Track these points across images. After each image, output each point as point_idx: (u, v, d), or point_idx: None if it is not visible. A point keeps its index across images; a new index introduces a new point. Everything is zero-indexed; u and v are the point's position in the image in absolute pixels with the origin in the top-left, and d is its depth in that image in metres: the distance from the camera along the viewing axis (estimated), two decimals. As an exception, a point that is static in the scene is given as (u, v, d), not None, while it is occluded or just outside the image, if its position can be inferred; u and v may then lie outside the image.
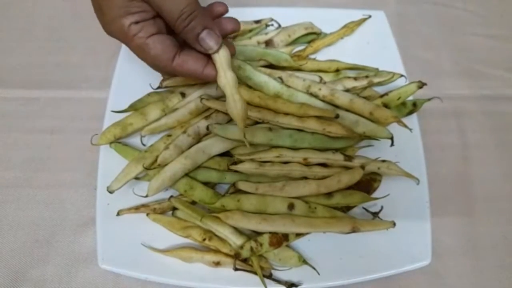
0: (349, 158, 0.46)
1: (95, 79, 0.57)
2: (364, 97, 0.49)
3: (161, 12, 0.35)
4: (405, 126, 0.49)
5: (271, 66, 0.52)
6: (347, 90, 0.50)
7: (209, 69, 0.38)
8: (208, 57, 0.38)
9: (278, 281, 0.42)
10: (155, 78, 0.48)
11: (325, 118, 0.46)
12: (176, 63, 0.37)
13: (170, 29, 0.38)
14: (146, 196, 0.45)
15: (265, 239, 0.42)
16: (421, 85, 0.50)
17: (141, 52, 0.36)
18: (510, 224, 0.49)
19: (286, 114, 0.46)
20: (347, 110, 0.48)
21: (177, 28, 0.36)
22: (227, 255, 0.43)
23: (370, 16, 0.58)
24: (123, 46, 0.37)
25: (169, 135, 0.48)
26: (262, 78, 0.48)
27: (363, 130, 0.47)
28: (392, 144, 0.47)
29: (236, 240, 0.43)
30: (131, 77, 0.52)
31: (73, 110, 0.55)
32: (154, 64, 0.38)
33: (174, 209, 0.46)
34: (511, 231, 0.49)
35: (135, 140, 0.50)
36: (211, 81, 0.39)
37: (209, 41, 0.36)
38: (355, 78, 0.51)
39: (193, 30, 0.35)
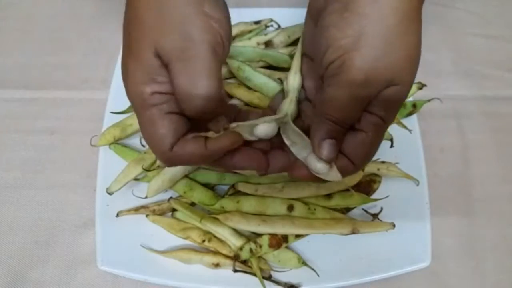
0: (348, 159, 0.46)
1: (94, 80, 0.57)
2: (364, 98, 0.49)
3: (175, 87, 0.29)
4: (405, 127, 0.49)
5: (270, 67, 0.52)
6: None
7: (211, 145, 0.31)
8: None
9: (278, 283, 0.42)
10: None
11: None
12: (176, 149, 0.30)
13: None
14: (146, 197, 0.45)
15: (264, 240, 0.42)
16: (421, 86, 0.50)
17: (149, 125, 0.30)
18: (510, 225, 0.49)
19: (286, 115, 0.45)
20: (346, 111, 0.48)
21: (185, 110, 0.30)
22: (226, 256, 0.43)
23: (370, 17, 0.58)
24: (123, 47, 0.33)
25: (168, 136, 0.48)
26: (262, 79, 0.48)
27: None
28: (391, 145, 0.47)
29: (235, 242, 0.43)
30: (131, 78, 0.52)
31: (72, 111, 0.55)
32: (152, 145, 0.31)
33: (174, 210, 0.46)
34: (511, 232, 0.49)
35: (134, 141, 0.50)
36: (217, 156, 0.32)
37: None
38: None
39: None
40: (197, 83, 0.29)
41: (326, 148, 0.31)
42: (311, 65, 0.37)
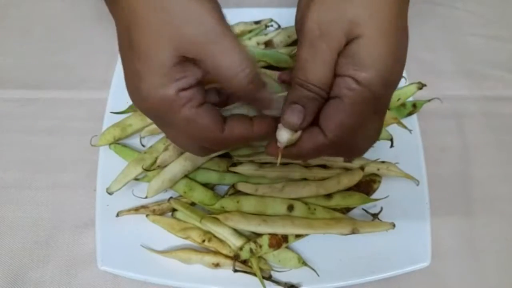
0: (348, 159, 0.46)
1: (94, 79, 0.57)
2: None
3: (217, 70, 0.29)
4: (405, 127, 0.49)
5: (270, 67, 0.52)
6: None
7: (259, 125, 0.32)
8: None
9: (278, 283, 0.42)
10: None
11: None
12: (227, 132, 0.31)
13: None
14: (146, 197, 0.45)
15: (264, 240, 0.42)
16: (421, 86, 0.50)
17: (188, 124, 0.30)
18: (510, 225, 0.49)
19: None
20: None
21: (236, 85, 0.30)
22: (226, 256, 0.43)
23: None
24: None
25: (168, 136, 0.48)
26: (262, 79, 0.48)
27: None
28: (391, 145, 0.47)
29: (235, 242, 0.43)
30: (131, 78, 0.52)
31: (72, 111, 0.54)
32: (202, 137, 0.31)
33: (174, 210, 0.46)
34: (511, 232, 0.49)
35: (134, 141, 0.50)
36: (264, 139, 0.34)
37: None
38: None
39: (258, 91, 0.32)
40: (238, 58, 0.29)
41: (289, 112, 0.30)
42: None
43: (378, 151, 0.48)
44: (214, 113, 0.31)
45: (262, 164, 0.45)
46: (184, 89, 0.29)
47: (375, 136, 0.33)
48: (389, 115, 0.48)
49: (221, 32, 0.28)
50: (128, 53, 0.30)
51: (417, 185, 0.47)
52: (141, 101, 0.30)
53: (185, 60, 0.29)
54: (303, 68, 0.30)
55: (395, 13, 0.29)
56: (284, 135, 0.31)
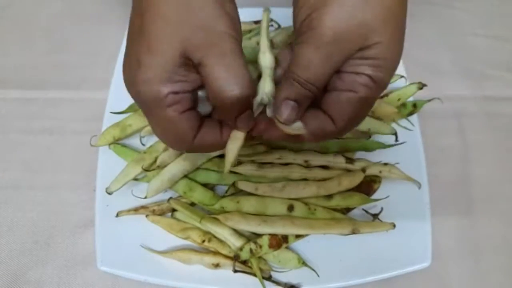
0: (350, 160, 0.45)
1: (94, 80, 0.57)
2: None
3: (210, 79, 0.29)
4: (405, 127, 0.49)
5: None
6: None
7: (226, 134, 0.33)
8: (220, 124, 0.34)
9: (278, 283, 0.42)
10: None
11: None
12: (197, 140, 0.32)
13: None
14: (145, 197, 0.45)
15: (264, 240, 0.42)
16: (421, 86, 0.50)
17: (167, 124, 0.31)
18: (511, 225, 0.49)
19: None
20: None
21: (218, 101, 0.30)
22: (226, 256, 0.43)
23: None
24: (123, 47, 0.32)
25: (168, 136, 0.48)
26: (262, 79, 0.48)
27: (367, 127, 0.48)
28: (396, 140, 0.47)
29: (235, 242, 0.42)
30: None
31: (72, 111, 0.54)
32: (174, 139, 0.33)
33: (173, 210, 0.46)
34: (512, 233, 0.49)
35: (134, 141, 0.49)
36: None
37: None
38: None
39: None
40: (234, 76, 0.29)
41: (285, 109, 0.31)
42: None
43: (378, 150, 0.48)
44: (193, 122, 0.32)
45: (262, 164, 0.45)
46: (176, 92, 0.30)
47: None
48: (391, 109, 0.48)
49: (232, 49, 0.29)
50: (136, 40, 0.30)
51: (419, 188, 0.46)
52: (133, 87, 0.30)
53: (189, 64, 0.30)
54: (305, 68, 0.30)
55: (405, 15, 0.30)
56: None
